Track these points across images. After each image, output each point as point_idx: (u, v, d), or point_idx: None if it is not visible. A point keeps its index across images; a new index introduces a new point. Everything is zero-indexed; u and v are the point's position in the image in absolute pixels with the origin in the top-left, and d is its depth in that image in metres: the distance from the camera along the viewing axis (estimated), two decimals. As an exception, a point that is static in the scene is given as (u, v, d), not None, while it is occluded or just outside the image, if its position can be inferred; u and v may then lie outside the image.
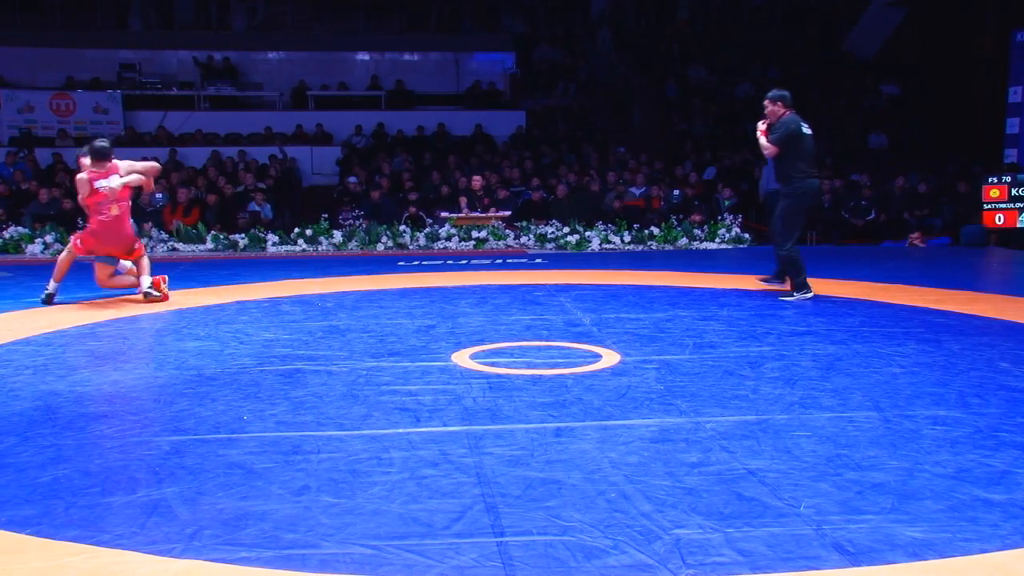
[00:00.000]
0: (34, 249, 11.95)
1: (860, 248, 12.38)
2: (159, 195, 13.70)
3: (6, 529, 2.90)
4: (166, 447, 3.72)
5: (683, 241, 12.52)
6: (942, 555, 2.67)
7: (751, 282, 8.46)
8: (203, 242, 12.46)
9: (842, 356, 5.31)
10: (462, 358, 5.34)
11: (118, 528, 2.90)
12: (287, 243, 12.46)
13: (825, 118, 18.29)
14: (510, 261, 10.95)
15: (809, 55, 19.95)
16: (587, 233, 12.53)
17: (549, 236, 12.61)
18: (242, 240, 12.44)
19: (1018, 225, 11.64)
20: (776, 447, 3.65)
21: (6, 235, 12.19)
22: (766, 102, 7.66)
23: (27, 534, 2.86)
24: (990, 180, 11.86)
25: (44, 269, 10.45)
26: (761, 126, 7.71)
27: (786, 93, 7.64)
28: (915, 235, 12.43)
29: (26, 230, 12.33)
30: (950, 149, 15.96)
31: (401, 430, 3.93)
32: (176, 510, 3.04)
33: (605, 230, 12.64)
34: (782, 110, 7.59)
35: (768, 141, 7.55)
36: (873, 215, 13.60)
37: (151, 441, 3.80)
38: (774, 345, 5.66)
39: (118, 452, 3.66)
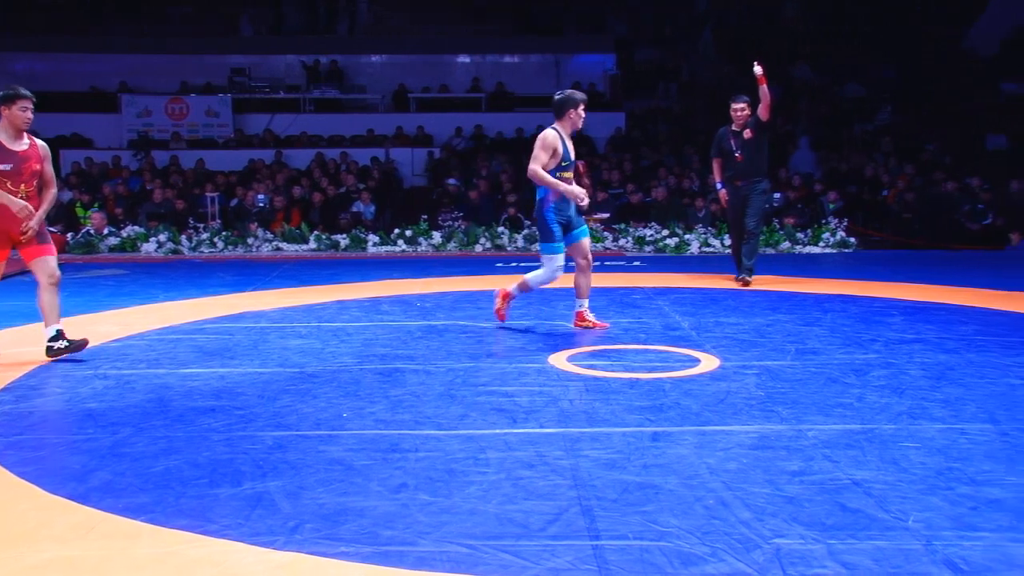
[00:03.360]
0: (148, 247, 12.45)
1: (976, 254, 11.86)
2: (261, 196, 14.10)
3: (123, 515, 3.03)
4: (269, 442, 3.82)
5: (785, 245, 12.23)
6: (1063, 577, 2.53)
7: (857, 287, 8.22)
8: (306, 242, 12.78)
9: (954, 365, 5.09)
10: (559, 360, 5.33)
11: (224, 519, 2.99)
12: (387, 243, 12.66)
13: (942, 118, 17.60)
14: (608, 263, 10.89)
15: (926, 53, 19.20)
16: (686, 236, 12.36)
17: (647, 239, 12.49)
18: (344, 240, 12.71)
19: None
20: (882, 458, 3.53)
21: (123, 234, 12.74)
22: (745, 105, 8.46)
23: (141, 521, 2.98)
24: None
25: (158, 267, 10.91)
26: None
27: None
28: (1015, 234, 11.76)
29: (141, 229, 12.86)
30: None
31: (498, 431, 3.95)
32: (279, 503, 3.12)
33: (705, 233, 12.45)
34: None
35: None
36: (990, 219, 13.00)
37: (255, 436, 3.92)
38: (880, 352, 5.47)
39: (224, 445, 3.78)
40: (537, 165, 6.02)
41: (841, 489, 3.20)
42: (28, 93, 5.48)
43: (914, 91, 18.56)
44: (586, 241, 6.28)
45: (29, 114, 5.46)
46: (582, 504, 3.09)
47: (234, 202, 14.49)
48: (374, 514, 3.03)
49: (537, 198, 6.20)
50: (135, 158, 16.69)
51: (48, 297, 5.54)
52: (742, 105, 8.44)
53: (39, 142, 5.60)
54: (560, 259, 6.11)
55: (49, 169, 5.64)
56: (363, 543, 2.80)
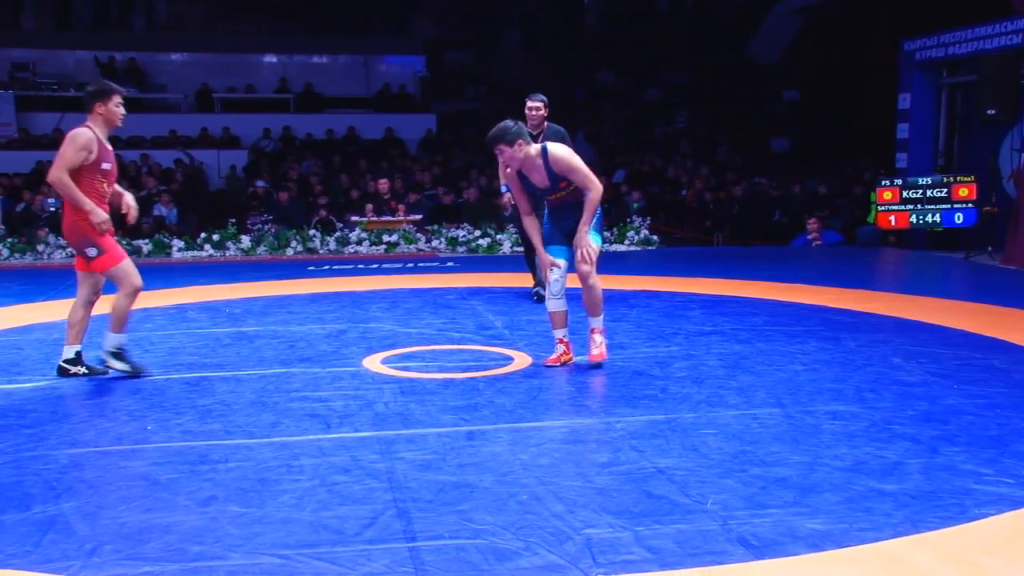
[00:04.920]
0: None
1: (765, 249, 12.71)
2: (51, 200, 13.19)
3: None
4: (64, 461, 3.59)
5: (593, 244, 12.63)
6: (840, 545, 2.76)
7: (660, 283, 8.62)
8: (104, 248, 12.04)
9: (747, 355, 5.45)
10: (373, 363, 5.30)
11: (10, 547, 2.78)
12: (193, 248, 12.14)
13: (730, 123, 18.79)
14: (421, 265, 10.91)
15: (714, 61, 20.43)
16: (498, 236, 12.56)
17: (460, 240, 12.60)
18: (146, 246, 12.09)
19: (909, 226, 12.07)
20: (684, 445, 3.73)
21: None
22: (541, 104, 7.18)
23: (-88, 556, 2.73)
24: (882, 183, 12.27)
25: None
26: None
27: None
28: (811, 221, 12.74)
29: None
30: (847, 153, 16.54)
31: (311, 437, 3.88)
32: (75, 526, 2.94)
33: (516, 233, 12.68)
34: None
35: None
36: (777, 217, 13.97)
37: (48, 455, 3.67)
38: (682, 345, 5.77)
39: (11, 468, 3.52)
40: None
41: (647, 477, 3.36)
42: (120, 87, 5.03)
43: (705, 97, 19.72)
44: (582, 265, 5.27)
45: (123, 109, 5.03)
46: (398, 506, 3.08)
47: (20, 206, 13.49)
48: (181, 529, 2.90)
49: None
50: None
51: (84, 313, 5.21)
52: (538, 104, 7.23)
53: None
54: (547, 259, 5.27)
55: None
56: (169, 560, 2.68)
